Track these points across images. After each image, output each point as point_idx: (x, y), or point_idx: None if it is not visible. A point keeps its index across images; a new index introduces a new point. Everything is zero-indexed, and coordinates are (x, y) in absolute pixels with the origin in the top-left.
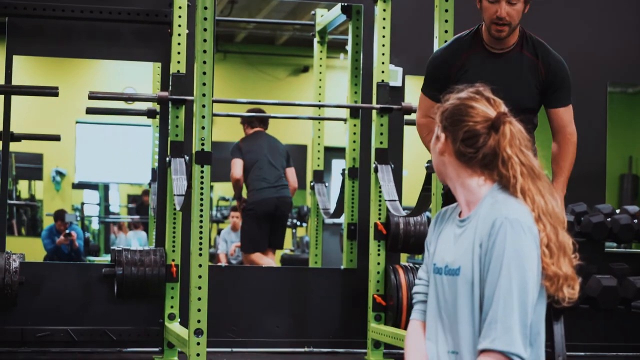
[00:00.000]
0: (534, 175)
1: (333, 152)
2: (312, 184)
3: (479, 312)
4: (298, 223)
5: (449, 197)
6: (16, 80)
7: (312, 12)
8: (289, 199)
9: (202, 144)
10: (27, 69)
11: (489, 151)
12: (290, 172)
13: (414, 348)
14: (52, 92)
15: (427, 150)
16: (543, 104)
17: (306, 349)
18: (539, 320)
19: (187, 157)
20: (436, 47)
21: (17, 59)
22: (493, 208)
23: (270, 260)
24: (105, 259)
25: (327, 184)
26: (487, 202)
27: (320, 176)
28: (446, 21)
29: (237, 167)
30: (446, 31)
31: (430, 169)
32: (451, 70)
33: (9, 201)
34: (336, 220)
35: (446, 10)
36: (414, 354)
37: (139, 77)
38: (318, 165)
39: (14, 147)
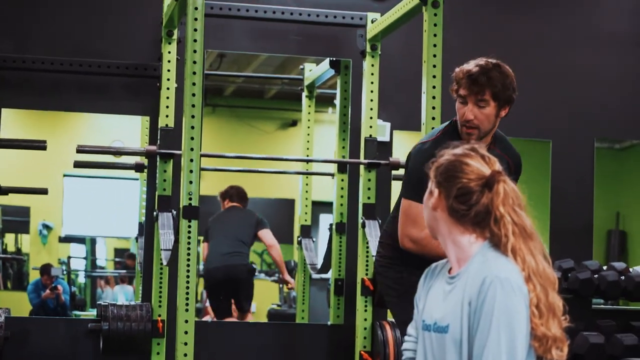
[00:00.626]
0: (526, 235)
1: (321, 207)
2: (299, 239)
3: None
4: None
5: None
6: (4, 133)
7: (301, 66)
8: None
9: (190, 199)
10: (15, 122)
11: (482, 209)
12: (265, 234)
13: None
14: (40, 145)
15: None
16: None
17: None
18: None
19: (174, 212)
20: (424, 103)
21: (5, 112)
22: (483, 266)
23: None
24: (92, 313)
25: (314, 239)
26: (477, 260)
27: (308, 231)
28: (434, 77)
29: (204, 251)
30: (434, 87)
31: None
32: None
33: None
34: (323, 276)
35: (434, 66)
36: None
37: (127, 130)
38: (305, 220)
39: (0, 200)
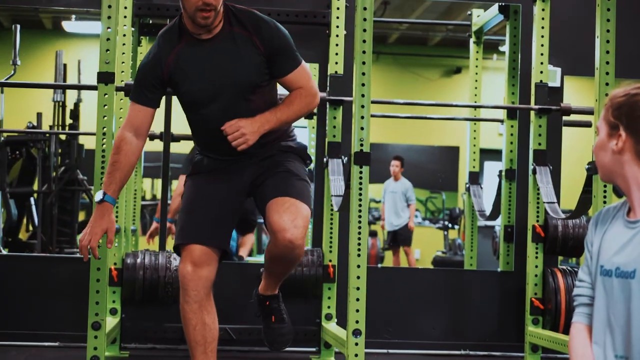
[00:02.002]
0: None
1: (486, 154)
2: (467, 185)
3: None
4: (450, 225)
5: None
6: None
7: (469, 12)
8: None
9: (362, 145)
10: None
11: None
12: None
13: (581, 352)
14: None
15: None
16: (272, 77)
17: (462, 352)
18: None
19: (344, 158)
20: (598, 48)
21: None
22: None
23: None
24: (260, 259)
25: (482, 186)
26: None
27: (476, 178)
28: (608, 20)
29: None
30: (608, 30)
31: (591, 171)
32: (163, 71)
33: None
34: (488, 223)
35: (608, 10)
36: (581, 358)
37: None
38: (474, 167)
39: (172, 147)
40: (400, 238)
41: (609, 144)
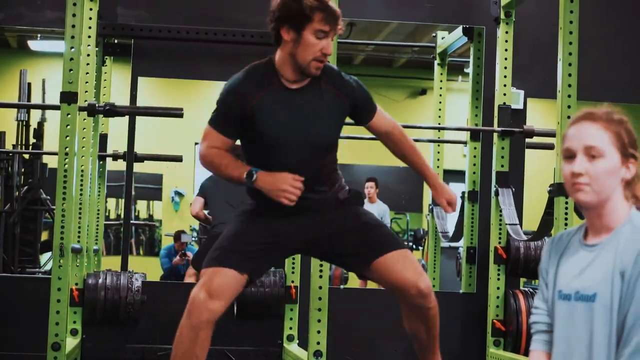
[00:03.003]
0: None
1: (450, 175)
2: (430, 207)
3: (616, 338)
4: (414, 246)
5: None
6: (140, 101)
7: (433, 34)
8: None
9: None
10: (148, 90)
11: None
12: None
13: None
14: (176, 113)
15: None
16: (357, 124)
17: None
18: None
19: None
20: (560, 70)
21: (142, 80)
22: (637, 236)
23: None
24: None
25: None
26: (627, 229)
27: None
28: (570, 43)
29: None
30: (570, 53)
31: (553, 193)
32: (246, 107)
33: None
34: (452, 244)
35: (570, 33)
36: None
37: None
38: None
39: (134, 167)
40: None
41: (621, 171)
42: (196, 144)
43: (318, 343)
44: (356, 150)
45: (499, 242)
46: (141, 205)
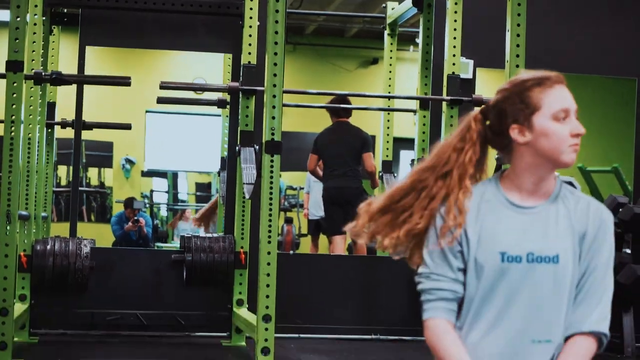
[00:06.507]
0: None
1: (401, 143)
2: (380, 174)
3: (573, 297)
4: None
5: None
6: (88, 71)
7: (383, 4)
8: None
9: (273, 134)
10: (98, 60)
11: None
12: (367, 157)
13: (456, 350)
14: (124, 81)
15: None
16: None
17: (373, 336)
18: None
19: (256, 147)
20: (508, 41)
21: (89, 50)
22: (582, 197)
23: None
24: (174, 245)
25: (395, 175)
26: (567, 195)
27: (389, 166)
28: (518, 14)
29: (310, 161)
30: (518, 24)
31: (499, 161)
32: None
33: (79, 188)
34: None
35: (519, 4)
36: (456, 347)
37: (210, 68)
38: (387, 156)
39: (85, 135)
40: (323, 227)
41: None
42: (146, 111)
43: (267, 307)
44: (307, 118)
45: None
46: (92, 173)
